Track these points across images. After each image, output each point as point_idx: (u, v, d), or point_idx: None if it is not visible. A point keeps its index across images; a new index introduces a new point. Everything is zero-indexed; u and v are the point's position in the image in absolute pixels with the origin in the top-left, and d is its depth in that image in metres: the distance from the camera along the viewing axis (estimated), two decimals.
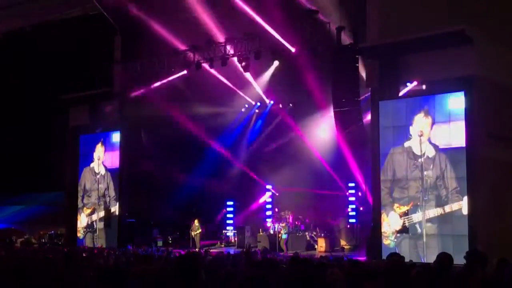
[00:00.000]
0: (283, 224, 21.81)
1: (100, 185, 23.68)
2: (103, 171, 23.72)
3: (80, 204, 24.24)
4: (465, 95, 15.70)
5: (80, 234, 24.07)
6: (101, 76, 22.99)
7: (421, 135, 16.41)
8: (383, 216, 16.97)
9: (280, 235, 21.64)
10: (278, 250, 20.66)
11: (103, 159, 23.73)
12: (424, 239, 16.17)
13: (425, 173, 16.30)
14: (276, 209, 23.96)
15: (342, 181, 22.78)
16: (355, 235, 22.19)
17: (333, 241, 21.81)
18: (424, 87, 16.48)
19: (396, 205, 16.81)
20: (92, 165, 24.08)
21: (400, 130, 16.89)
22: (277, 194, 24.91)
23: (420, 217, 16.31)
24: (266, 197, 25.23)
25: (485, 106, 15.35)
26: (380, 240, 16.94)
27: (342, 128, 17.64)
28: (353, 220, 22.51)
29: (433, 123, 16.28)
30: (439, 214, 15.99)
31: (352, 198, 22.79)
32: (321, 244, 21.21)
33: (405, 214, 16.59)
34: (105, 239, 23.03)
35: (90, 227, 23.82)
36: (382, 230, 16.94)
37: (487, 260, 6.77)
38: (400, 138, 16.85)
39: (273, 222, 23.06)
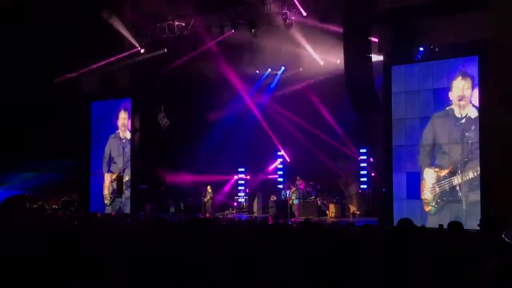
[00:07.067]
0: (293, 189, 21.87)
1: (126, 151, 23.81)
2: (128, 137, 23.75)
3: (106, 171, 24.42)
4: (479, 59, 15.53)
5: (107, 201, 24.31)
6: (111, 43, 22.84)
7: (461, 100, 16.06)
8: (423, 182, 16.66)
9: (291, 200, 21.73)
10: (289, 216, 20.75)
11: (128, 125, 23.76)
12: (464, 206, 15.77)
13: (466, 134, 15.93)
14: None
15: (353, 146, 22.67)
16: (366, 201, 22.25)
17: (344, 207, 21.89)
18: (437, 50, 16.31)
19: (436, 169, 16.47)
20: (117, 132, 24.15)
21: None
22: (288, 160, 24.88)
23: (459, 179, 15.93)
24: (277, 163, 25.23)
25: (499, 71, 15.14)
26: (391, 205, 16.94)
27: (353, 93, 17.46)
28: (364, 186, 22.48)
29: (474, 84, 15.82)
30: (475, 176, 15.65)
31: (363, 164, 22.70)
32: (332, 210, 21.27)
33: (445, 178, 16.24)
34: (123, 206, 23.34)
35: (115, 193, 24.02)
36: (423, 197, 16.62)
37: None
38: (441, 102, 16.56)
39: (284, 188, 23.12)
